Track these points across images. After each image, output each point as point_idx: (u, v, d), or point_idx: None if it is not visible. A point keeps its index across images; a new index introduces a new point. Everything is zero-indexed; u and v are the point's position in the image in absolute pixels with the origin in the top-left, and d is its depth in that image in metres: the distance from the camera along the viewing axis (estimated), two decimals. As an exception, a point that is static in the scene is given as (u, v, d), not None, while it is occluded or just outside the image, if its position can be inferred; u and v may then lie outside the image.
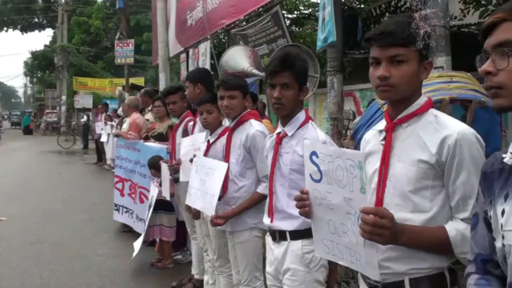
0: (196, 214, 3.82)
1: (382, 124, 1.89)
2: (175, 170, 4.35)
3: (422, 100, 1.80)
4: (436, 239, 1.69)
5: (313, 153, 1.86)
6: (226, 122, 3.72)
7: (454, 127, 1.71)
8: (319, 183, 1.83)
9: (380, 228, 1.57)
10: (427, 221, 1.71)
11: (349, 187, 1.68)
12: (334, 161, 1.75)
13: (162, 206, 5.39)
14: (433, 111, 1.80)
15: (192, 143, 3.95)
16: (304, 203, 1.91)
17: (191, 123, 4.41)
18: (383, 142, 1.83)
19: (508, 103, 1.26)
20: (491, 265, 1.37)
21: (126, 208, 6.85)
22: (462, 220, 1.70)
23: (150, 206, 5.39)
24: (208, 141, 3.67)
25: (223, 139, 3.49)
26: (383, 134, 1.84)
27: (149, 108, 7.54)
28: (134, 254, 5.37)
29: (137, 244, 5.57)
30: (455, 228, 1.69)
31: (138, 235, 5.98)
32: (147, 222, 5.37)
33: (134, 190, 6.71)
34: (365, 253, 1.66)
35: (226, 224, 3.25)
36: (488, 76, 1.27)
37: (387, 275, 1.75)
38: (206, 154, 3.60)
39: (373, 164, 1.85)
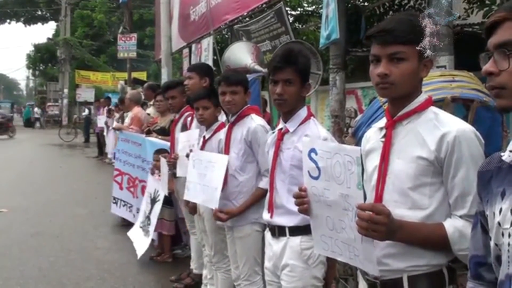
0: (193, 209, 3.82)
1: (382, 122, 1.89)
2: (173, 165, 4.35)
3: (422, 97, 1.81)
4: (434, 236, 1.70)
5: (312, 150, 1.87)
6: (221, 118, 3.74)
7: (454, 124, 1.72)
8: (317, 180, 1.84)
9: (376, 224, 1.58)
10: (425, 218, 1.72)
11: (346, 184, 1.69)
12: (332, 158, 1.76)
13: (163, 200, 5.39)
14: (433, 108, 1.80)
15: (187, 139, 3.95)
16: (302, 201, 1.92)
17: (190, 118, 4.40)
18: (383, 139, 1.83)
19: (510, 103, 1.25)
20: (484, 269, 1.37)
21: (124, 201, 6.86)
22: (460, 217, 1.70)
23: (154, 200, 5.39)
24: (204, 136, 3.68)
25: (219, 135, 3.49)
26: (383, 131, 1.85)
27: (151, 102, 7.55)
28: (141, 250, 5.41)
29: (134, 235, 5.59)
30: (453, 225, 1.69)
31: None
32: (155, 217, 5.35)
33: (133, 184, 6.71)
34: (363, 249, 1.66)
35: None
36: (491, 76, 1.26)
37: (386, 272, 1.75)
38: (201, 149, 3.61)
39: (374, 161, 1.85)
